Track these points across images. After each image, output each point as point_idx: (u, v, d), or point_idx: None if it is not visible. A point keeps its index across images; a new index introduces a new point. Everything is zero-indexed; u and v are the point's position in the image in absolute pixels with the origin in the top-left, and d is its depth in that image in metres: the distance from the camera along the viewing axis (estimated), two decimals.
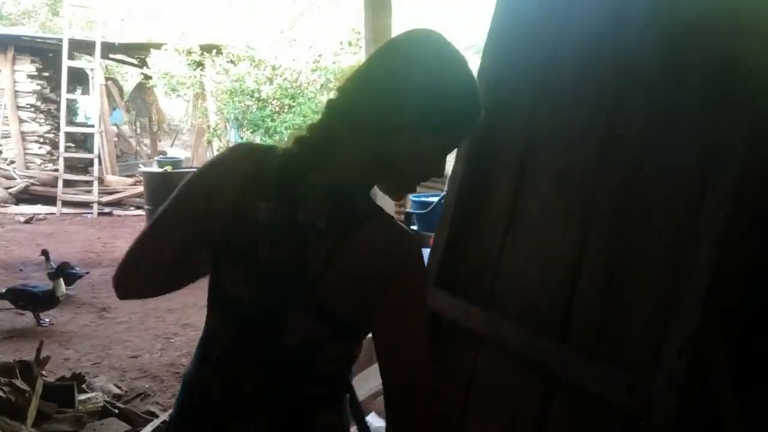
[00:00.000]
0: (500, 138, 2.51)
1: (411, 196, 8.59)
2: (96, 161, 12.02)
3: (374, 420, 3.91)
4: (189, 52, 12.28)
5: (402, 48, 1.38)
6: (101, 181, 12.27)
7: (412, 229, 7.28)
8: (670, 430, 1.64)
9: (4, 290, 6.03)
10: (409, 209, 8.41)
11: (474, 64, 1.48)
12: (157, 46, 13.10)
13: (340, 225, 1.31)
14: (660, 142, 1.90)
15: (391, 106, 1.32)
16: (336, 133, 1.36)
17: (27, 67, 12.98)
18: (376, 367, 4.52)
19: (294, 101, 11.05)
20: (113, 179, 12.89)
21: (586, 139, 2.15)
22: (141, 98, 18.71)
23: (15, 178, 12.32)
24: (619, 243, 1.96)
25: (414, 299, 1.35)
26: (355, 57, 11.72)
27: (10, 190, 11.99)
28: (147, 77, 14.29)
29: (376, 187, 1.46)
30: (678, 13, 1.91)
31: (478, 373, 2.39)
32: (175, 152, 16.56)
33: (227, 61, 11.65)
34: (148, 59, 13.25)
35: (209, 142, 12.84)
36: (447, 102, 1.33)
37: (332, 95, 1.42)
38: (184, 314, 6.27)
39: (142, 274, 1.48)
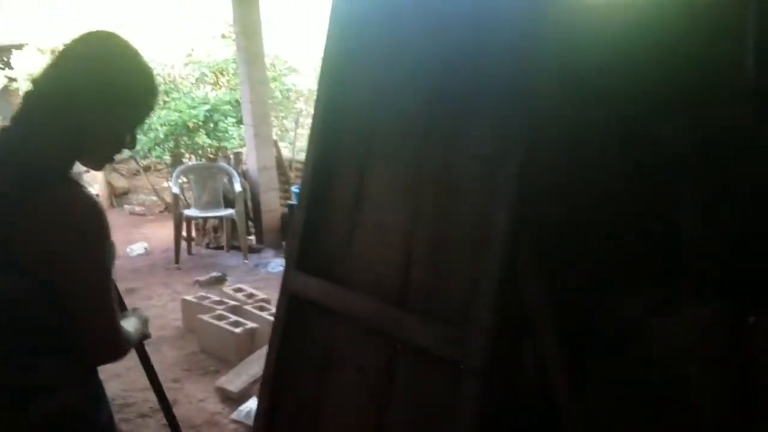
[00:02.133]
0: (346, 125, 2.75)
1: (293, 188, 8.77)
2: None
3: (253, 404, 4.11)
4: (53, 51, 11.79)
5: (84, 44, 1.72)
6: None
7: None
8: (484, 370, 1.94)
9: None
10: (293, 201, 8.58)
11: None
12: (19, 47, 12.48)
13: (25, 192, 1.54)
14: (469, 129, 2.19)
15: (77, 90, 1.65)
16: (32, 117, 1.65)
17: None
18: (259, 353, 4.68)
19: (168, 96, 10.88)
20: None
21: (413, 126, 2.42)
22: (6, 101, 17.67)
23: None
24: (441, 217, 2.24)
25: (90, 252, 1.60)
26: (229, 50, 11.68)
27: None
28: (11, 79, 13.56)
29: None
30: (486, 11, 2.20)
31: (335, 345, 2.63)
32: None
33: None
34: (11, 60, 12.60)
35: None
36: (121, 84, 1.69)
37: (29, 87, 1.71)
38: None
39: None
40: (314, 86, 12.31)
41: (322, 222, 2.82)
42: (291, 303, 2.84)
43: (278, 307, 2.95)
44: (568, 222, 2.97)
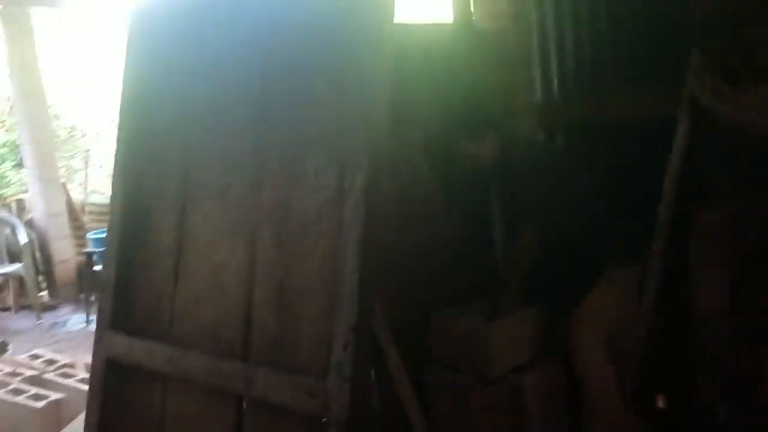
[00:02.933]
0: (158, 158, 2.44)
1: (89, 235, 7.95)
2: None
3: None
4: None
5: None
6: None
7: (96, 270, 6.75)
8: (349, 420, 1.75)
9: None
10: (89, 249, 7.77)
11: None
12: None
13: None
14: (306, 159, 2.00)
15: None
16: None
17: None
18: (71, 427, 4.01)
19: None
20: None
21: (241, 157, 2.18)
22: None
23: None
24: (283, 256, 2.03)
25: None
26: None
27: None
28: None
29: None
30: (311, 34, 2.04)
31: (168, 413, 2.29)
32: None
33: None
34: None
35: None
36: None
37: None
38: None
39: None
40: (101, 122, 11.49)
41: (138, 271, 2.46)
42: (108, 369, 2.44)
43: (92, 377, 2.53)
44: (403, 248, 2.93)
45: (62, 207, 7.99)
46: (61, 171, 9.97)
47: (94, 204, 8.87)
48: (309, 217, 1.95)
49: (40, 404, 4.41)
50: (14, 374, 5.04)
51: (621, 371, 2.90)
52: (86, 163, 11.59)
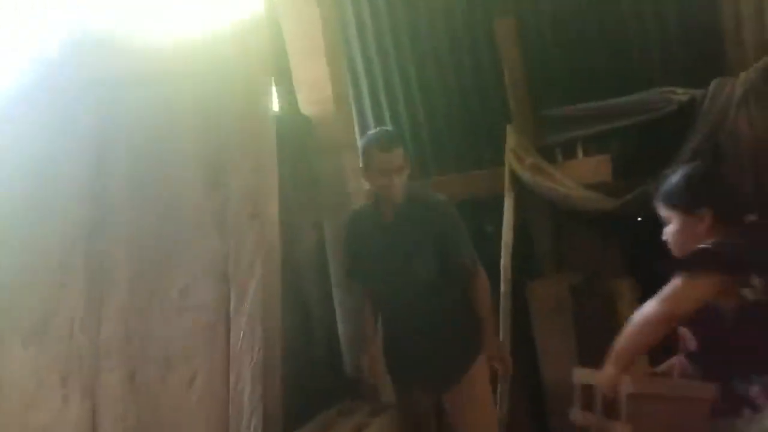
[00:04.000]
0: None
1: None
2: None
3: None
4: None
5: None
6: None
7: None
8: None
9: None
10: None
11: None
12: None
13: None
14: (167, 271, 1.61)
15: None
16: None
17: None
18: None
19: None
20: None
21: (69, 276, 1.69)
22: None
23: None
24: (141, 406, 1.57)
25: None
26: None
27: None
28: None
29: None
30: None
31: None
32: None
33: None
34: None
35: None
36: None
37: None
38: None
39: None
40: None
41: None
42: None
43: None
44: None
45: None
46: None
47: None
48: (176, 350, 1.55)
49: None
50: None
51: None
52: None
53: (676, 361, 1.73)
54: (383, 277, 2.35)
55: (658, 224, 2.88)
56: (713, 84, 2.69)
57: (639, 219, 2.94)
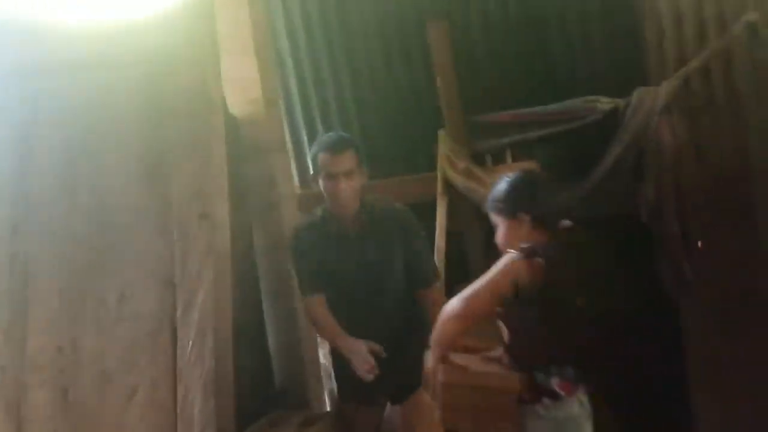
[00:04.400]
0: None
1: None
2: None
3: None
4: None
5: None
6: None
7: None
8: None
9: None
10: None
11: None
12: None
13: None
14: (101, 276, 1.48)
15: None
16: None
17: None
18: None
19: None
20: None
21: None
22: None
23: None
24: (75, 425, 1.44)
25: None
26: None
27: None
28: None
29: None
30: None
31: None
32: None
33: None
34: None
35: None
36: None
37: None
38: None
39: None
40: None
41: None
42: None
43: None
44: None
45: None
46: None
47: None
48: (114, 362, 1.42)
49: None
50: None
51: None
52: None
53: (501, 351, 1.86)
54: (348, 291, 2.23)
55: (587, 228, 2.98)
56: (636, 93, 2.80)
57: None
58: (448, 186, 3.01)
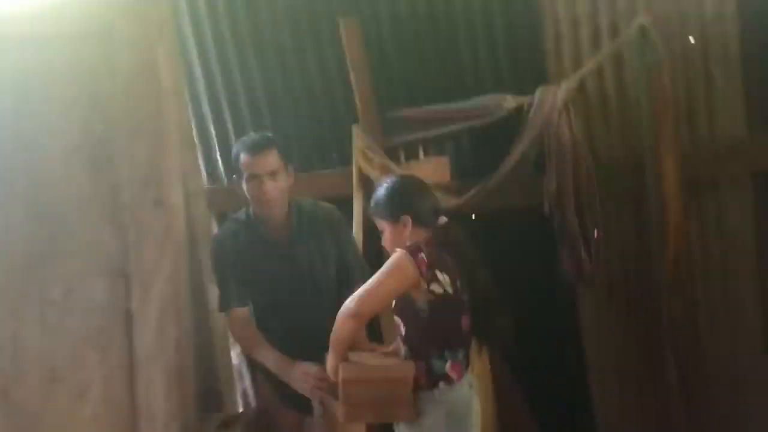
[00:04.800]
0: None
1: None
2: None
3: None
4: None
5: None
6: None
7: None
8: None
9: None
10: None
11: None
12: None
13: None
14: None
15: None
16: None
17: None
18: None
19: None
20: None
21: None
22: None
23: None
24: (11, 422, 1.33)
25: None
26: None
27: None
28: None
29: None
30: None
31: None
32: None
33: None
34: None
35: None
36: None
37: None
38: None
39: None
40: None
41: None
42: None
43: None
44: None
45: None
46: None
47: None
48: (61, 359, 1.34)
49: None
50: None
51: None
52: None
53: (397, 342, 2.04)
54: (283, 299, 2.19)
55: (494, 222, 3.11)
56: (538, 92, 2.96)
57: (473, 217, 3.15)
58: (365, 181, 3.04)
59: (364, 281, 1.99)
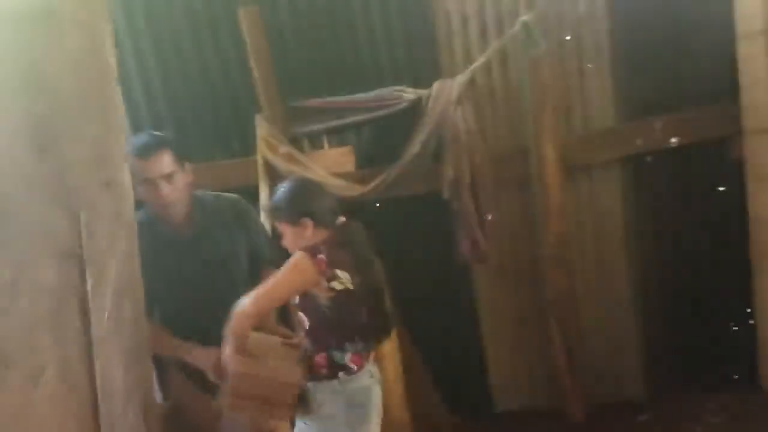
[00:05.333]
0: None
1: None
2: None
3: None
4: None
5: None
6: None
7: None
8: None
9: None
10: None
11: None
12: None
13: None
14: None
15: None
16: None
17: None
18: None
19: None
20: None
21: None
22: None
23: None
24: None
25: None
26: None
27: None
28: None
29: None
30: None
31: None
32: None
33: None
34: None
35: None
36: None
37: None
38: None
39: None
40: None
41: None
42: None
43: None
44: None
45: None
46: None
47: None
48: (13, 342, 1.31)
49: None
50: None
51: None
52: None
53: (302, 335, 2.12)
54: (194, 295, 2.14)
55: (397, 207, 3.25)
56: (435, 85, 3.15)
57: (377, 205, 3.27)
58: (270, 170, 3.07)
59: (275, 269, 2.01)
